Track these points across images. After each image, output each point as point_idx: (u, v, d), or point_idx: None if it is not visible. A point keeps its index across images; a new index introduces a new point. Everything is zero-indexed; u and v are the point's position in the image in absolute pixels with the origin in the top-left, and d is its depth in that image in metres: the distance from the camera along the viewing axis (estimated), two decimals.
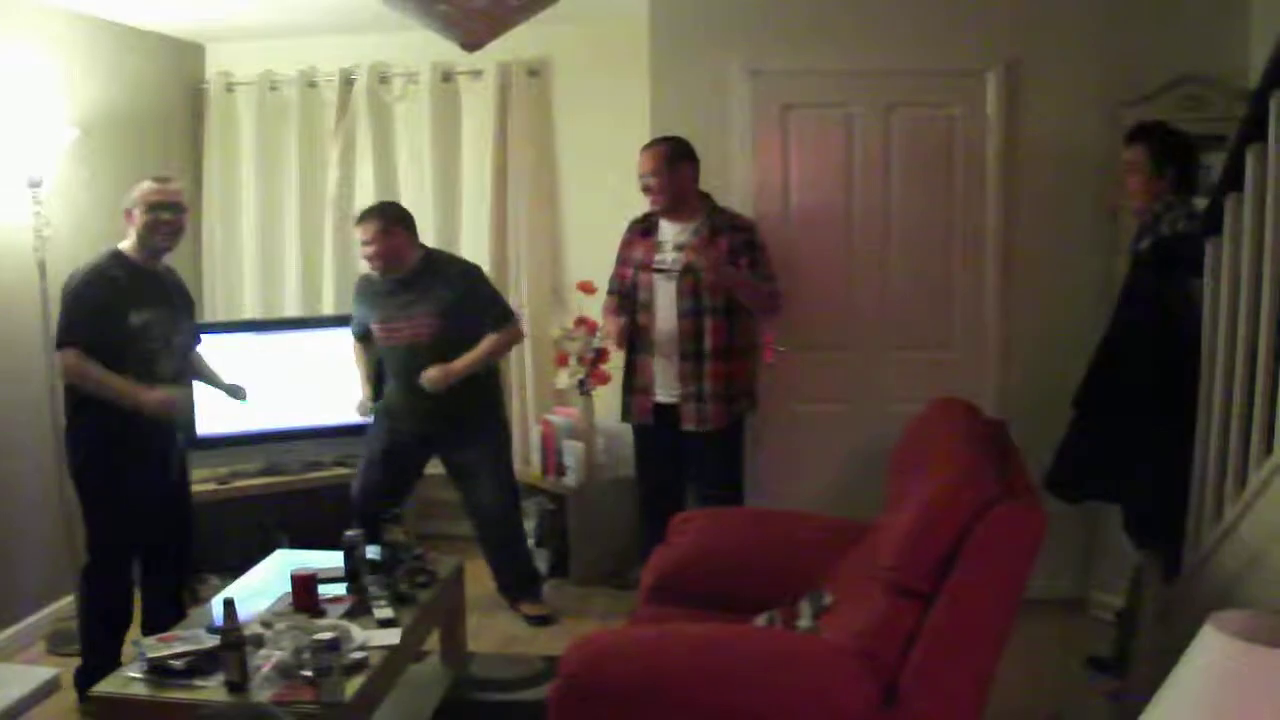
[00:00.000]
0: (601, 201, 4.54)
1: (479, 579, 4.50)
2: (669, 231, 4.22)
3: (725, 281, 4.05)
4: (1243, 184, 2.93)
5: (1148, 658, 3.35)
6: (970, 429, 3.04)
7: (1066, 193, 4.44)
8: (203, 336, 4.16)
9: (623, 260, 4.37)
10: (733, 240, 4.12)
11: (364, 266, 4.69)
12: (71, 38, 4.53)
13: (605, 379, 4.77)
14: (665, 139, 4.22)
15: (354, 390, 4.56)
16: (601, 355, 4.77)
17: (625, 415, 4.43)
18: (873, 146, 4.47)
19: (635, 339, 4.30)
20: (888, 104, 4.48)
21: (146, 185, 3.67)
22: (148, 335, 3.65)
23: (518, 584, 4.60)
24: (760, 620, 3.04)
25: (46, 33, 4.38)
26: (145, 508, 3.70)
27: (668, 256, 4.18)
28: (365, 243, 4.24)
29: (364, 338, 4.50)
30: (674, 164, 4.14)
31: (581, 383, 4.87)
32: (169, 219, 3.66)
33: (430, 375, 4.18)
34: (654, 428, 4.31)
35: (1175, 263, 3.41)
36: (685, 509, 4.26)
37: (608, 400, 4.52)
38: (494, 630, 4.38)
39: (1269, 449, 2.79)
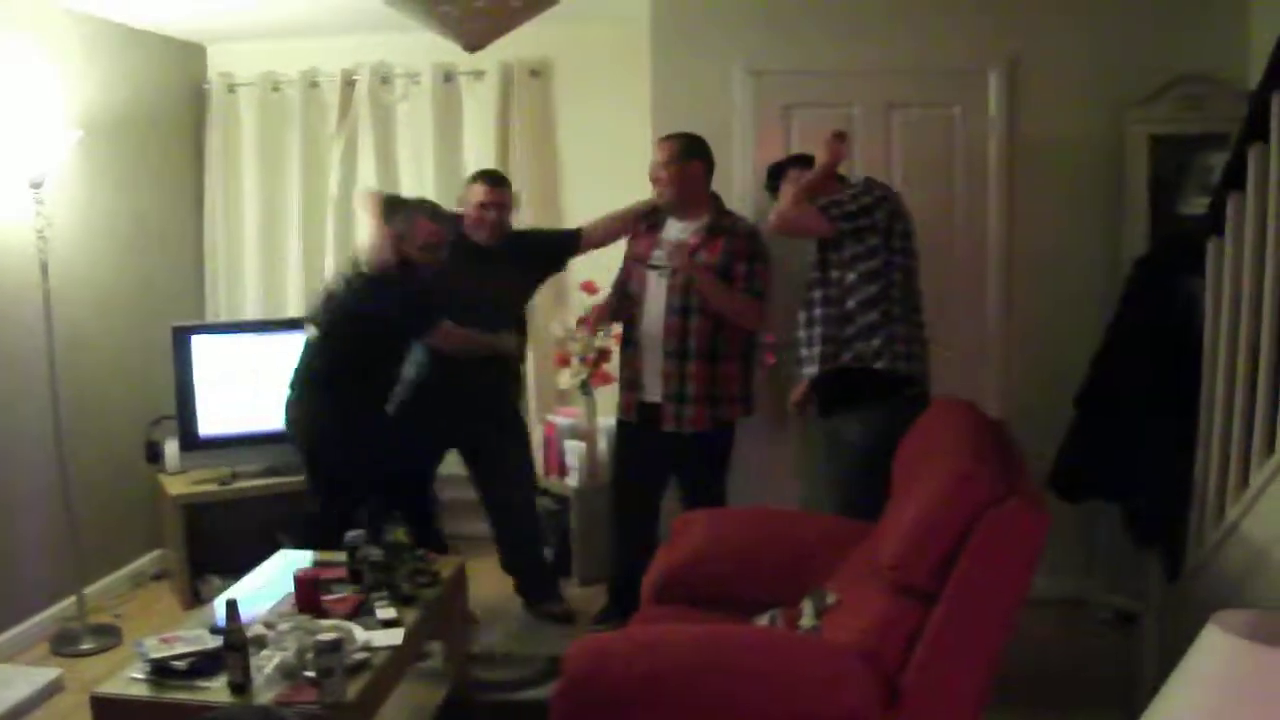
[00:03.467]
0: (603, 201, 4.53)
1: (482, 579, 4.50)
2: (673, 229, 4.18)
3: (700, 284, 4.00)
4: (1244, 183, 2.94)
5: (1151, 658, 3.36)
6: (972, 428, 3.03)
7: (1068, 192, 4.44)
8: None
9: (628, 253, 4.35)
10: (730, 244, 4.06)
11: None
12: (73, 38, 4.54)
13: (608, 379, 4.76)
14: (683, 134, 4.18)
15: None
16: (604, 355, 4.77)
17: (619, 409, 4.42)
18: (874, 146, 4.47)
19: (627, 333, 4.29)
20: (889, 103, 4.48)
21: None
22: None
23: (543, 580, 4.61)
24: (762, 620, 3.04)
25: (48, 33, 4.38)
26: (374, 477, 4.10)
27: (660, 253, 4.15)
28: (490, 205, 4.22)
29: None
30: (685, 160, 4.11)
31: (584, 383, 4.87)
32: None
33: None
34: (637, 428, 4.25)
35: (1183, 260, 3.42)
36: (658, 524, 4.29)
37: (610, 400, 4.52)
38: (496, 630, 4.38)
39: (1271, 448, 2.79)
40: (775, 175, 4.15)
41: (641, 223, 4.32)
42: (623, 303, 4.28)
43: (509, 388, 4.51)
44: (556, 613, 4.53)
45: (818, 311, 3.89)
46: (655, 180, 4.18)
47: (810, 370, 3.91)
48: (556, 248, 4.47)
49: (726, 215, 4.18)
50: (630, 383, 4.27)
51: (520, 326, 4.52)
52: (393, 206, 4.10)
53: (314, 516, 4.09)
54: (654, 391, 4.16)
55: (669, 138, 4.18)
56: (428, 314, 4.01)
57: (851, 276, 3.82)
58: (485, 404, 4.36)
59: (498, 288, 4.26)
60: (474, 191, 4.26)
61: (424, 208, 4.10)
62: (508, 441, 4.49)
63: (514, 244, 4.34)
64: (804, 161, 4.09)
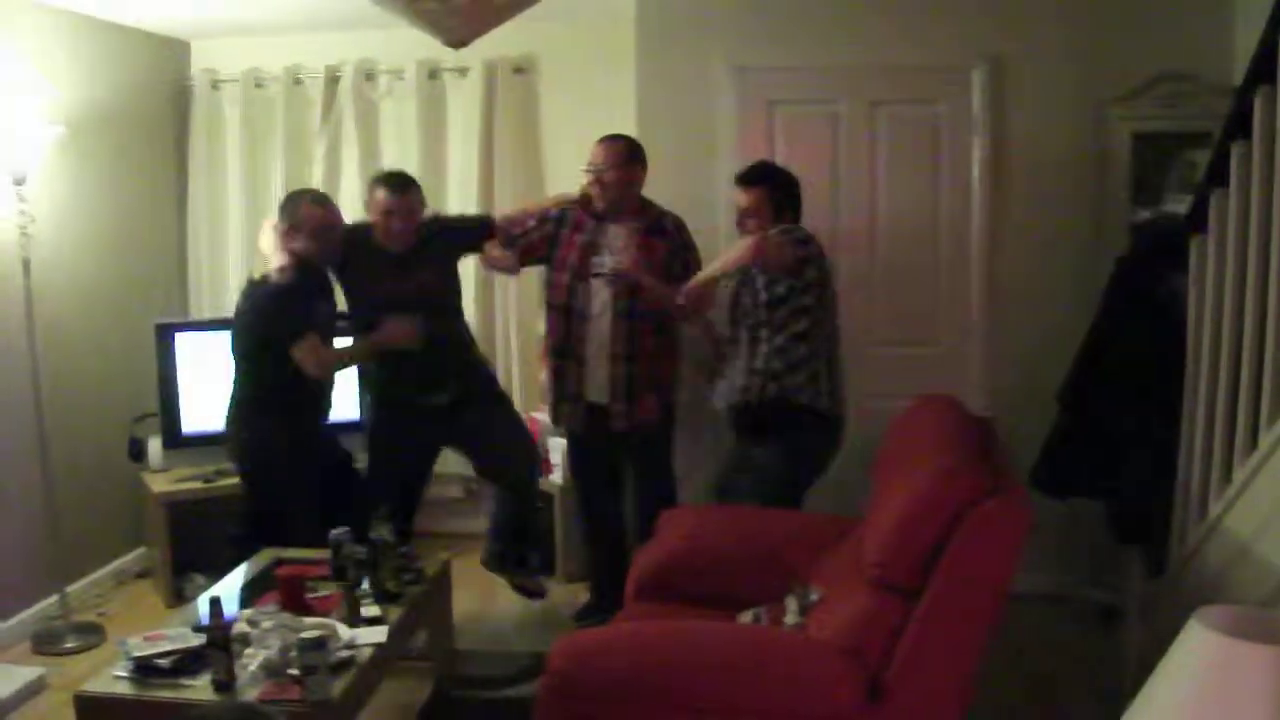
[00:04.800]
0: None
1: (466, 576, 4.49)
2: (606, 235, 4.09)
3: (649, 291, 3.97)
4: (1227, 180, 2.95)
5: (1133, 654, 3.37)
6: (955, 425, 3.04)
7: (1051, 189, 4.45)
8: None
9: (539, 219, 4.19)
10: (668, 241, 4.08)
11: None
12: (56, 35, 4.51)
13: None
14: (626, 137, 4.12)
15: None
16: None
17: (555, 420, 4.38)
18: (858, 143, 4.48)
19: (560, 344, 4.18)
20: (873, 100, 4.49)
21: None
22: None
23: (515, 538, 4.38)
24: (746, 617, 3.04)
25: (31, 29, 4.35)
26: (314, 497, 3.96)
27: (606, 260, 4.03)
28: (396, 212, 3.89)
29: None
30: (632, 163, 4.06)
31: None
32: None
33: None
34: (587, 434, 4.25)
35: (1165, 257, 3.43)
36: (623, 521, 4.35)
37: None
38: (481, 627, 4.38)
39: (1253, 444, 2.80)
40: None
41: (550, 223, 4.18)
42: (569, 321, 4.14)
43: (470, 338, 4.36)
44: (526, 585, 4.41)
45: (744, 341, 3.89)
46: (600, 183, 4.04)
47: (731, 399, 3.94)
48: (472, 237, 4.23)
49: (649, 209, 4.13)
50: (573, 394, 4.19)
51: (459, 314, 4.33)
52: (281, 209, 3.91)
53: (237, 536, 4.03)
54: (601, 394, 4.13)
55: (614, 139, 4.09)
56: (297, 323, 3.75)
57: (782, 312, 3.81)
58: (462, 364, 4.20)
59: (422, 286, 4.01)
60: (377, 198, 3.93)
61: (305, 194, 3.99)
62: (493, 415, 4.28)
63: (431, 236, 4.05)
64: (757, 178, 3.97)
